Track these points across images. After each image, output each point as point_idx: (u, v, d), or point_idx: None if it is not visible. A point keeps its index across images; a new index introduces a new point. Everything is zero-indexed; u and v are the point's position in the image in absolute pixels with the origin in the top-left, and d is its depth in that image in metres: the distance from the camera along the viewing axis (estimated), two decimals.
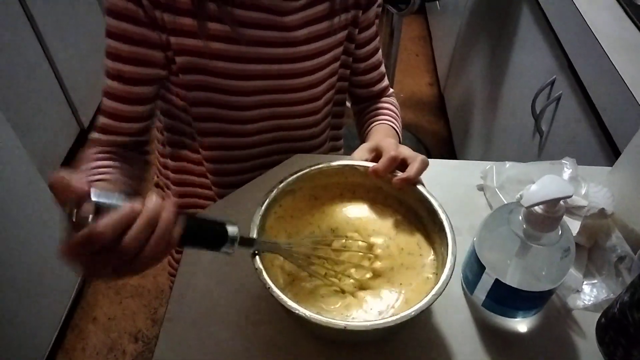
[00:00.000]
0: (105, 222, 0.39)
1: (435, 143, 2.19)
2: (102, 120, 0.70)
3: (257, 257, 0.49)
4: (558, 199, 0.46)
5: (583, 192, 0.65)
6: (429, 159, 0.60)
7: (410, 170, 0.57)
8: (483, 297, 0.56)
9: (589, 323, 0.57)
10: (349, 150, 0.67)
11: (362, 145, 0.66)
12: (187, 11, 0.64)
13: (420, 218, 0.59)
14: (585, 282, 0.60)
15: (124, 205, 0.40)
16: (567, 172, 0.69)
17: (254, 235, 0.51)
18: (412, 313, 0.46)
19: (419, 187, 0.57)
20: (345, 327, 0.45)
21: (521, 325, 0.58)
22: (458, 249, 0.51)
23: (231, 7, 0.65)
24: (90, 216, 0.39)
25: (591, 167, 0.75)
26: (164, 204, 0.43)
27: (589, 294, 0.59)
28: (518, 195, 0.67)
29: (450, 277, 0.48)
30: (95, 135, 0.70)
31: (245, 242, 0.49)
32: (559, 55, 1.08)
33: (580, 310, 0.59)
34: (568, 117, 1.05)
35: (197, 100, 0.73)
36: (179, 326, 0.57)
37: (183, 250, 0.65)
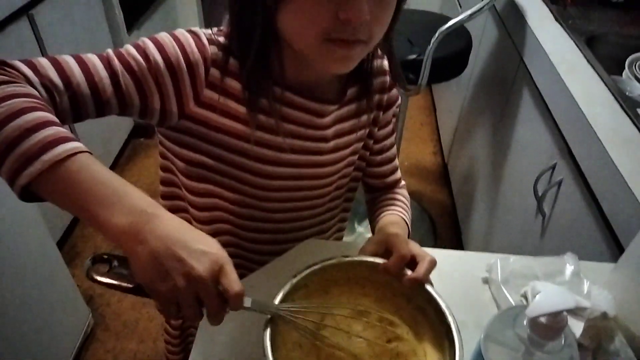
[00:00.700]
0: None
1: (439, 212, 2.21)
2: (64, 56, 0.58)
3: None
4: (561, 311, 0.48)
5: (585, 290, 0.67)
6: (435, 251, 0.63)
7: (420, 271, 0.60)
8: None
9: None
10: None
11: (371, 238, 0.69)
12: (233, 95, 0.67)
13: (427, 317, 0.61)
14: None
15: None
16: (569, 269, 0.71)
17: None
18: None
19: (428, 287, 0.60)
20: None
21: None
22: (463, 343, 0.53)
23: (280, 105, 0.69)
24: None
25: (593, 262, 0.77)
26: None
27: None
28: (522, 292, 0.69)
29: None
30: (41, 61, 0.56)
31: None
32: (559, 140, 1.11)
33: None
34: (570, 203, 1.07)
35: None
36: None
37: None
